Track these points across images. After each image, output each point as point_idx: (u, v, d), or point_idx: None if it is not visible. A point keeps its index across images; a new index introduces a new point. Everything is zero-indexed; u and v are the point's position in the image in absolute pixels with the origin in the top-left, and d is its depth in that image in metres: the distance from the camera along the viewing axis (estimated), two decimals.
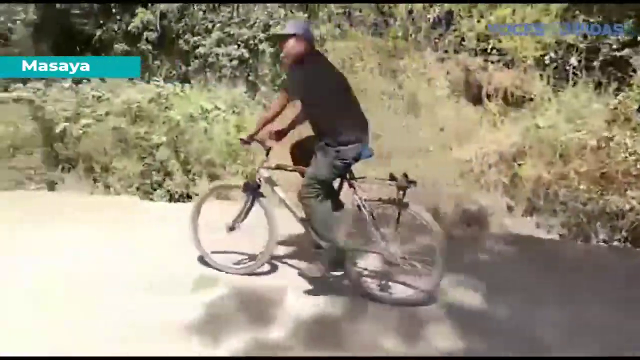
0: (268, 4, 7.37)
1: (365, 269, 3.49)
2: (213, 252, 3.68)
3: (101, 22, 8.21)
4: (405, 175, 3.03)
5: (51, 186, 6.15)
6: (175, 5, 7.86)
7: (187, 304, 3.09)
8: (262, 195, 3.46)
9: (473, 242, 4.37)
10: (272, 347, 2.69)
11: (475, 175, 5.09)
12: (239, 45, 7.50)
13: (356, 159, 3.13)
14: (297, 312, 3.03)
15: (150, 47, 7.99)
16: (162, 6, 7.86)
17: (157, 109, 6.06)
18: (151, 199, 5.72)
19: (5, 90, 6.71)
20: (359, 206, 3.12)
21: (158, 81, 6.49)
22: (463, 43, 6.29)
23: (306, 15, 7.27)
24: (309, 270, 3.22)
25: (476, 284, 3.42)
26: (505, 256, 4.07)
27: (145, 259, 3.80)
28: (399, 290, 3.26)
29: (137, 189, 5.81)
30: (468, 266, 3.73)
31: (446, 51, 6.37)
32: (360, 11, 6.99)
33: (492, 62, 6.02)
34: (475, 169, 5.11)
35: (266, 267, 3.62)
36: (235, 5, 7.75)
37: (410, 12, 6.60)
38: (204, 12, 7.88)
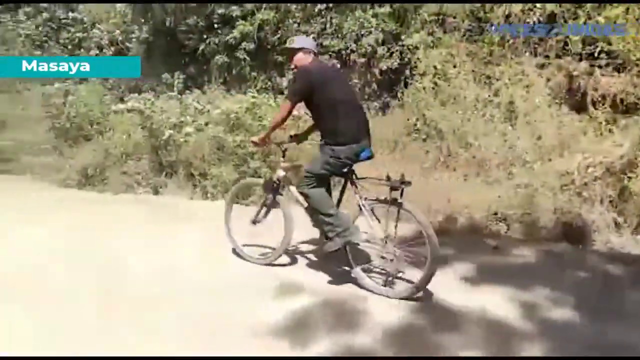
0: (359, 15, 7.43)
1: (365, 263, 3.65)
2: (244, 245, 4.10)
3: (204, 36, 8.76)
4: (402, 177, 3.23)
5: (156, 190, 6.65)
6: (271, 17, 8.18)
7: (273, 308, 3.19)
8: (280, 193, 3.81)
9: (575, 259, 4.06)
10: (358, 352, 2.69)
11: (577, 187, 4.72)
12: (330, 56, 7.63)
13: (352, 160, 3.43)
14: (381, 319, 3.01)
15: (247, 57, 8.36)
16: (260, 17, 8.21)
17: (252, 118, 6.34)
18: (246, 205, 5.97)
19: (122, 100, 7.38)
20: (359, 205, 3.39)
21: (252, 92, 6.79)
22: (566, 47, 5.89)
23: (398, 24, 7.24)
24: (327, 247, 3.47)
25: (576, 303, 3.17)
26: (610, 276, 3.73)
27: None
28: (394, 285, 3.42)
29: None
30: (568, 285, 3.48)
31: (547, 56, 6.00)
32: (454, 17, 6.81)
33: (600, 67, 5.56)
34: (577, 181, 4.74)
35: (287, 259, 4.01)
36: (329, 16, 7.91)
37: (507, 16, 6.31)
38: (298, 24, 8.12)
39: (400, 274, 3.44)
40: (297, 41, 3.73)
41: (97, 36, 9.60)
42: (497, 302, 3.16)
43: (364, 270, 3.55)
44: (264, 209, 3.89)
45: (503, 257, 4.10)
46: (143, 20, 9.77)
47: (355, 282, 3.51)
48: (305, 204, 3.58)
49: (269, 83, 8.17)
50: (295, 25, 8.11)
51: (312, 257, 4.13)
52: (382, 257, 3.36)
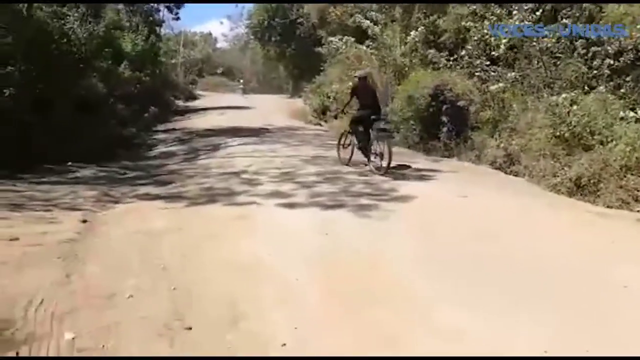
0: None
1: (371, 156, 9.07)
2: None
3: None
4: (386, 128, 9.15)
5: None
6: None
7: None
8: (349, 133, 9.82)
9: None
10: None
11: None
12: None
13: (364, 117, 9.15)
14: None
15: None
16: None
17: None
18: None
19: (632, 110, 6.88)
20: (373, 136, 9.03)
21: None
22: None
23: None
24: (357, 146, 9.40)
25: None
26: None
27: None
28: (378, 168, 8.72)
29: None
30: None
31: None
32: None
33: None
34: None
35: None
36: None
37: None
38: None
39: (379, 165, 8.72)
40: (362, 72, 10.52)
41: (616, 46, 9.08)
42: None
43: (369, 161, 9.09)
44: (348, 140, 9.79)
45: None
46: None
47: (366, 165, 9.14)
48: (352, 133, 9.50)
49: None
50: None
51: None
52: (375, 157, 8.84)
